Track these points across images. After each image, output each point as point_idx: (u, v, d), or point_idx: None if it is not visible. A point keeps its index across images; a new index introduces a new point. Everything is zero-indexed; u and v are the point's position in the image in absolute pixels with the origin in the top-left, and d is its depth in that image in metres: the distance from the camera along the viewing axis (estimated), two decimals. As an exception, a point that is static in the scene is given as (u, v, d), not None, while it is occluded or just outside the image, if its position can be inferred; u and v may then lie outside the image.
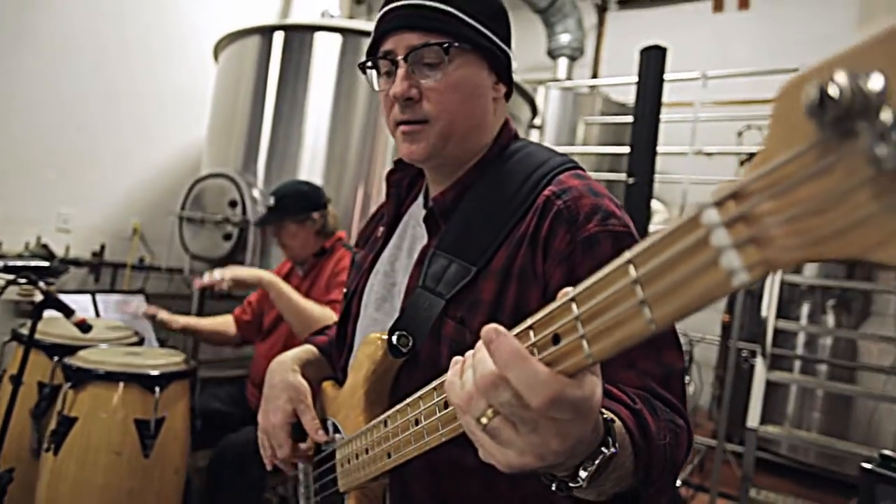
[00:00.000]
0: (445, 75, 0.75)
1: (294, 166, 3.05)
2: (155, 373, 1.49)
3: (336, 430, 0.86)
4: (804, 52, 4.85)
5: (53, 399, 1.55)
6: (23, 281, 1.61)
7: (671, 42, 6.44)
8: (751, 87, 4.82)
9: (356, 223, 3.02)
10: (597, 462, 0.47)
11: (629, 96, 5.17)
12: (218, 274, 1.74)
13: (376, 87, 0.82)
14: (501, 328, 0.42)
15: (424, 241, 0.85)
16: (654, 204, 4.87)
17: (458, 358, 0.50)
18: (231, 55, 3.38)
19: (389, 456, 0.69)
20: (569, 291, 0.40)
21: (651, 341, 0.59)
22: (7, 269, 1.64)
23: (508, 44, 0.83)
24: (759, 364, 3.10)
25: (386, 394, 0.80)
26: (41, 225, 3.37)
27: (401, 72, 0.76)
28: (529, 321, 0.44)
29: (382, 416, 0.70)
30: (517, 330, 0.44)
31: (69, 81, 3.44)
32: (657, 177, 4.55)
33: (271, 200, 2.03)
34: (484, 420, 0.42)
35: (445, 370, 0.64)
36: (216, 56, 3.54)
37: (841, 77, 0.23)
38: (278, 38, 3.15)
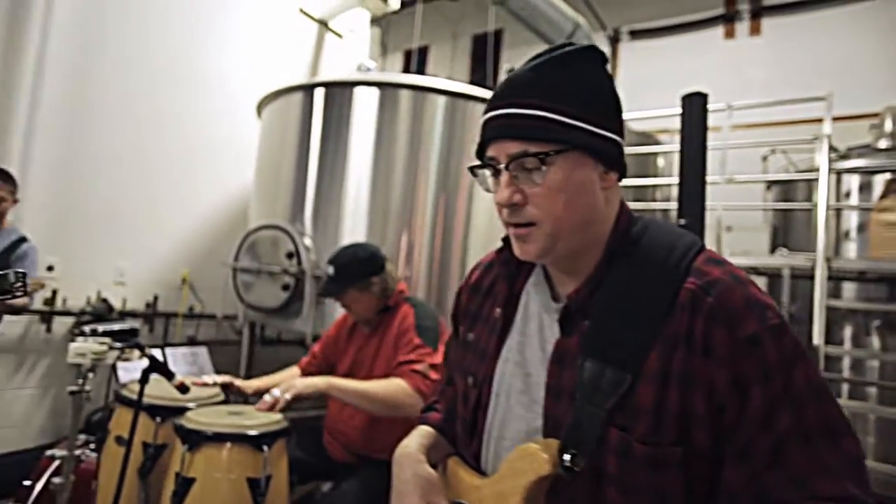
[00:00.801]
0: (546, 180, 0.74)
1: (339, 215, 3.16)
2: (261, 432, 1.57)
3: None
4: (817, 76, 4.95)
5: (156, 458, 1.64)
6: (120, 345, 1.71)
7: (684, 68, 6.57)
8: (768, 111, 4.91)
9: (401, 268, 3.11)
10: None
11: (648, 124, 5.29)
12: (278, 392, 1.76)
13: (490, 188, 0.82)
14: None
15: (555, 333, 0.83)
16: (685, 231, 4.93)
17: None
18: (274, 111, 3.55)
19: None
20: None
21: (829, 434, 0.67)
22: (104, 334, 1.75)
23: (618, 129, 0.81)
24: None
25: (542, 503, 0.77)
26: (100, 279, 3.52)
27: (504, 179, 0.77)
28: None
29: None
30: None
31: (127, 144, 3.64)
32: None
33: (331, 269, 2.03)
34: None
35: (610, 480, 0.71)
36: (259, 112, 3.72)
37: None
38: (319, 94, 3.31)
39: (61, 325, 3.35)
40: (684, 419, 0.70)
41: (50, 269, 3.32)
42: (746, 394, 0.68)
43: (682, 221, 2.11)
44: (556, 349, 0.81)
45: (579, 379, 0.76)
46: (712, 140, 4.06)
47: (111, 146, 3.58)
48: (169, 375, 1.62)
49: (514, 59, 7.74)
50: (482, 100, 3.31)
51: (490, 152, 0.79)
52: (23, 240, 2.72)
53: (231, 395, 2.08)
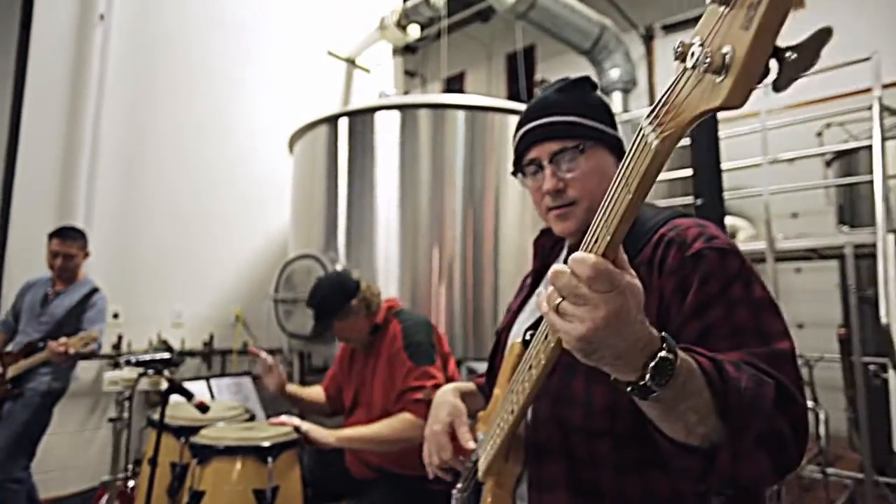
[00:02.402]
0: (583, 166, 0.95)
1: (371, 237, 3.23)
2: (267, 444, 1.61)
3: None
4: (868, 42, 4.60)
5: (183, 477, 1.71)
6: (150, 372, 1.81)
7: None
8: (824, 85, 4.60)
9: (434, 283, 3.12)
10: (654, 360, 0.58)
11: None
12: (297, 420, 1.83)
13: (527, 186, 1.02)
14: None
15: None
16: (737, 221, 4.65)
17: None
18: (304, 145, 3.71)
19: (513, 412, 0.82)
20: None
21: (759, 335, 0.75)
22: (138, 364, 1.86)
23: (616, 129, 1.03)
24: (893, 378, 2.79)
25: None
26: (159, 322, 3.76)
27: (547, 172, 0.96)
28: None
29: (508, 390, 0.85)
30: None
31: (178, 194, 3.93)
32: (736, 193, 4.38)
33: (311, 312, 2.06)
34: (555, 304, 0.58)
35: (578, 371, 0.85)
36: (291, 148, 3.90)
37: (686, 42, 0.47)
38: (343, 123, 3.44)
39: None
40: None
41: (115, 316, 3.59)
42: (686, 294, 0.80)
43: (699, 202, 2.01)
44: None
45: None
46: (752, 123, 3.88)
47: (164, 197, 3.87)
48: (188, 396, 1.69)
49: (549, 71, 7.73)
50: (499, 110, 3.32)
51: (532, 154, 0.99)
52: (94, 290, 2.93)
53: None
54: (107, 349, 3.48)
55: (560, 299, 0.58)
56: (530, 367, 0.76)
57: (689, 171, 3.76)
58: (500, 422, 0.89)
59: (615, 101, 6.23)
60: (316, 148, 3.57)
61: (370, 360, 2.08)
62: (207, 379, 2.77)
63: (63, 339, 2.45)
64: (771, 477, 0.70)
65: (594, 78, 5.80)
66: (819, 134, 4.44)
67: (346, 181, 3.37)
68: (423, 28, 5.06)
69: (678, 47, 0.48)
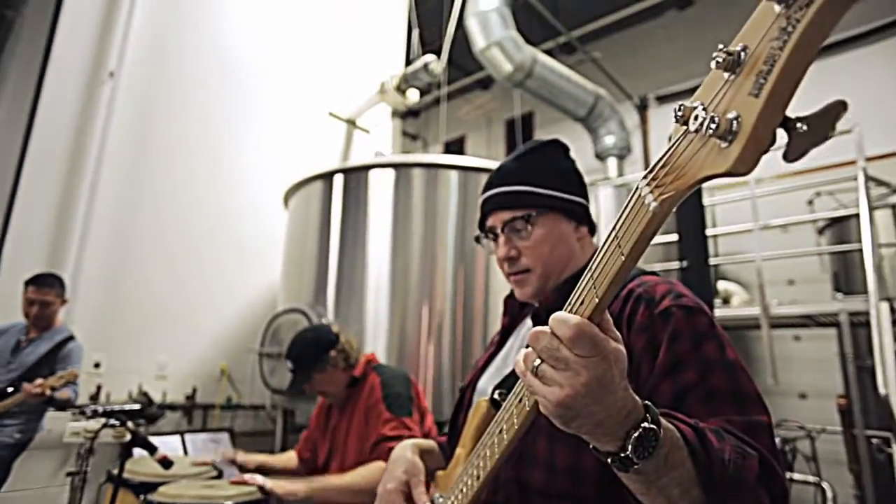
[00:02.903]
0: (533, 235, 0.98)
1: (361, 293, 3.20)
2: (229, 503, 1.52)
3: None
4: (852, 112, 4.74)
5: (138, 538, 1.61)
6: (115, 423, 1.75)
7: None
8: (812, 155, 4.70)
9: (423, 342, 3.07)
10: (638, 431, 0.54)
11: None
12: (260, 479, 1.75)
13: (489, 251, 1.05)
14: None
15: None
16: (731, 286, 4.63)
17: None
18: (299, 200, 3.76)
19: (478, 478, 0.77)
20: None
21: (735, 399, 0.73)
22: (103, 414, 1.79)
23: (582, 193, 1.05)
24: (897, 452, 2.68)
25: None
26: (142, 373, 3.67)
27: (501, 240, 1.00)
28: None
29: (473, 454, 0.80)
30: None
31: (169, 247, 3.93)
32: (730, 258, 4.39)
33: (289, 364, 2.04)
34: (535, 368, 0.55)
35: (540, 430, 0.80)
36: (286, 203, 3.95)
37: (688, 106, 0.47)
38: (338, 179, 3.50)
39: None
40: None
41: (97, 365, 3.51)
42: (657, 353, 0.78)
43: (684, 264, 2.00)
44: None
45: (523, 345, 0.87)
46: (743, 191, 3.95)
47: (157, 249, 3.88)
48: (151, 449, 1.62)
49: (546, 136, 7.93)
50: (491, 171, 3.38)
51: (489, 223, 1.03)
52: (70, 338, 2.89)
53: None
54: (84, 400, 3.38)
55: (539, 361, 0.55)
56: (501, 430, 0.72)
57: (674, 237, 3.79)
58: (462, 486, 0.83)
59: (610, 167, 6.36)
60: (310, 203, 3.61)
61: (346, 414, 2.03)
62: (182, 434, 2.66)
63: (39, 380, 2.38)
64: None
65: (590, 144, 5.95)
66: (810, 202, 4.49)
67: (339, 236, 3.39)
68: (423, 93, 5.24)
69: (679, 110, 0.47)
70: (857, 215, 3.29)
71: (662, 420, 0.58)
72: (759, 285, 3.45)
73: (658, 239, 4.15)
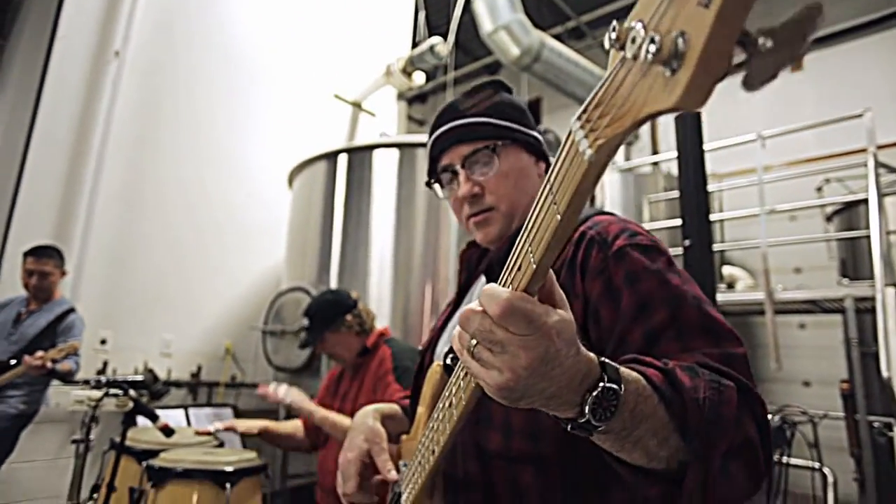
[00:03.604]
0: (498, 168, 0.90)
1: (364, 272, 3.21)
2: (229, 468, 1.54)
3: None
4: (864, 100, 4.68)
5: (140, 502, 1.63)
6: (118, 392, 1.77)
7: (726, 112, 6.46)
8: (822, 143, 4.65)
9: (426, 320, 3.08)
10: (594, 393, 0.50)
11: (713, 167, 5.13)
12: (283, 392, 1.88)
13: (441, 196, 0.97)
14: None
15: None
16: (736, 271, 4.60)
17: None
18: (303, 180, 3.76)
19: (434, 452, 0.73)
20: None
21: (709, 333, 0.69)
22: (106, 384, 1.81)
23: (535, 130, 0.99)
24: (899, 437, 2.67)
25: None
26: (147, 351, 3.71)
27: (461, 177, 0.91)
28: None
29: (429, 425, 0.76)
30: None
31: (175, 226, 3.95)
32: (735, 244, 4.36)
33: (305, 321, 2.09)
34: (471, 348, 0.51)
35: None
36: (290, 183, 3.95)
37: (623, 27, 0.38)
38: (342, 159, 3.49)
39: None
40: None
41: (103, 342, 3.55)
42: (618, 298, 0.73)
43: (687, 243, 1.99)
44: None
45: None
46: (751, 176, 3.91)
47: (162, 227, 3.90)
48: (153, 417, 1.64)
49: (554, 123, 7.89)
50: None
51: (444, 161, 0.94)
52: (70, 310, 2.91)
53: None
54: (91, 374, 3.42)
55: (475, 342, 0.50)
56: (451, 404, 0.68)
57: (678, 221, 3.77)
58: (420, 459, 0.81)
59: (618, 154, 6.32)
60: (314, 183, 3.61)
61: (355, 382, 2.07)
62: (186, 408, 2.70)
63: (40, 353, 2.41)
64: (747, 491, 0.61)
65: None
66: (819, 189, 4.45)
67: (343, 216, 3.39)
68: (429, 76, 5.21)
69: (612, 31, 0.37)
70: (866, 201, 3.25)
71: (625, 371, 0.54)
72: (765, 270, 3.43)
73: (662, 224, 4.12)
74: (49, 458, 3.24)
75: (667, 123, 6.69)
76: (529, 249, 0.48)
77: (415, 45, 5.41)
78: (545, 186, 0.47)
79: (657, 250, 0.77)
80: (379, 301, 3.14)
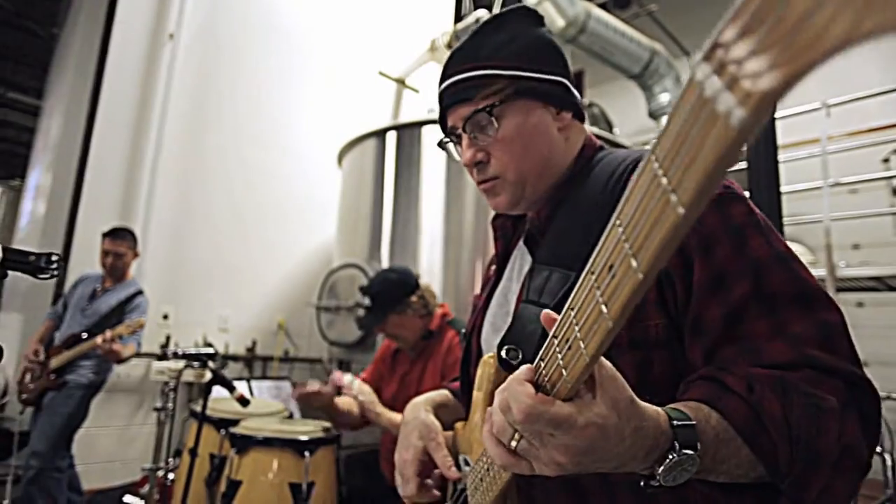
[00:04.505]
0: (500, 132, 0.78)
1: (415, 248, 3.24)
2: (305, 437, 1.60)
3: (467, 465, 0.84)
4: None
5: (222, 468, 1.72)
6: (196, 364, 1.85)
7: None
8: (884, 112, 4.41)
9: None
10: (665, 464, 0.48)
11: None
12: (356, 388, 1.84)
13: (456, 158, 0.85)
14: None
15: (529, 263, 0.83)
16: (794, 246, 4.44)
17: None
18: (353, 159, 3.80)
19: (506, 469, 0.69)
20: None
21: (799, 300, 0.60)
22: (184, 356, 1.90)
23: (561, 71, 0.81)
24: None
25: None
26: (206, 326, 3.86)
27: (464, 142, 0.81)
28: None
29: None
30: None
31: (231, 205, 4.07)
32: (794, 219, 4.20)
33: (366, 301, 1.98)
34: (513, 444, 0.49)
35: None
36: (340, 161, 4.00)
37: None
38: (391, 137, 3.51)
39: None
40: None
41: (165, 317, 3.71)
42: (689, 268, 0.64)
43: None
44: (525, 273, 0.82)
45: (527, 286, 0.76)
46: (812, 148, 3.75)
47: (220, 206, 4.03)
48: (230, 388, 1.71)
49: (597, 96, 7.69)
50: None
51: (449, 122, 0.83)
52: (139, 292, 3.04)
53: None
54: (155, 349, 3.59)
55: (517, 437, 0.48)
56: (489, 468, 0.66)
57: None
58: (490, 467, 0.72)
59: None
60: (364, 161, 3.64)
61: (418, 366, 2.01)
62: (248, 380, 2.81)
63: (108, 332, 2.53)
64: (848, 498, 0.57)
65: (643, 102, 5.69)
66: (885, 160, 4.23)
67: (392, 193, 3.42)
68: (472, 50, 5.12)
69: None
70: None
71: (700, 422, 0.50)
72: (827, 245, 3.31)
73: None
74: (121, 424, 3.44)
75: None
76: (571, 353, 0.42)
77: (459, 19, 5.33)
78: (659, 163, 0.31)
79: (733, 199, 0.66)
80: (430, 277, 3.17)
